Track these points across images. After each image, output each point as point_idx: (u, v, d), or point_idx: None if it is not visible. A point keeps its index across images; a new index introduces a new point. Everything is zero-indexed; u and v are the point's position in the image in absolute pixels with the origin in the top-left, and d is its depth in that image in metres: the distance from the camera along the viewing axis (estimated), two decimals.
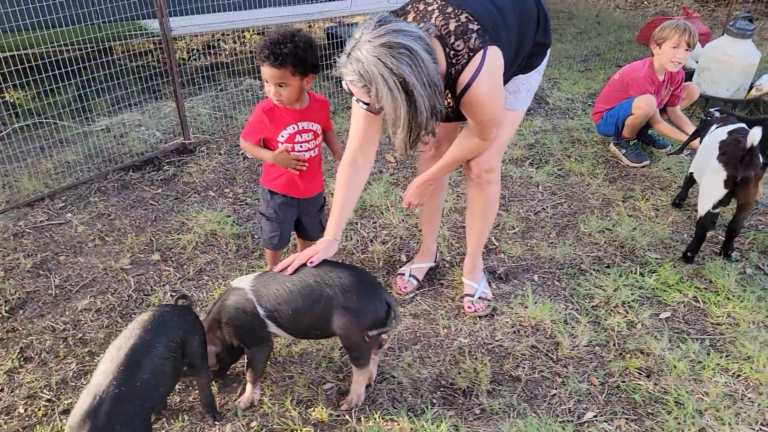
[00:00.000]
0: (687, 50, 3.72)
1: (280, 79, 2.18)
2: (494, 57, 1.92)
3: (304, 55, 2.16)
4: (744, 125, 2.95)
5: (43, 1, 3.41)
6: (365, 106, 1.85)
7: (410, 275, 2.75)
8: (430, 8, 1.91)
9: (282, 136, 2.32)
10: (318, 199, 2.59)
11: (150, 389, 1.73)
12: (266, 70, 2.18)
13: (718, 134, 2.96)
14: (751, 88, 4.59)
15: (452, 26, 1.83)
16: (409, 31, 1.70)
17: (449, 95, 2.03)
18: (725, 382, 2.28)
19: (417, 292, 2.73)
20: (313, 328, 2.04)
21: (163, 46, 3.64)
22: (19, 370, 2.29)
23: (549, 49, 2.30)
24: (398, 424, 2.09)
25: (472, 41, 1.85)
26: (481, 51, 1.88)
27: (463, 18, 1.83)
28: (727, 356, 2.40)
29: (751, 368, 2.33)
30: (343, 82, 1.82)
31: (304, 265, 1.99)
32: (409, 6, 1.93)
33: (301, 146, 2.35)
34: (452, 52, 1.88)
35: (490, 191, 2.40)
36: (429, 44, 1.75)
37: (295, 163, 2.34)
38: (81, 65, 3.50)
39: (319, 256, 2.01)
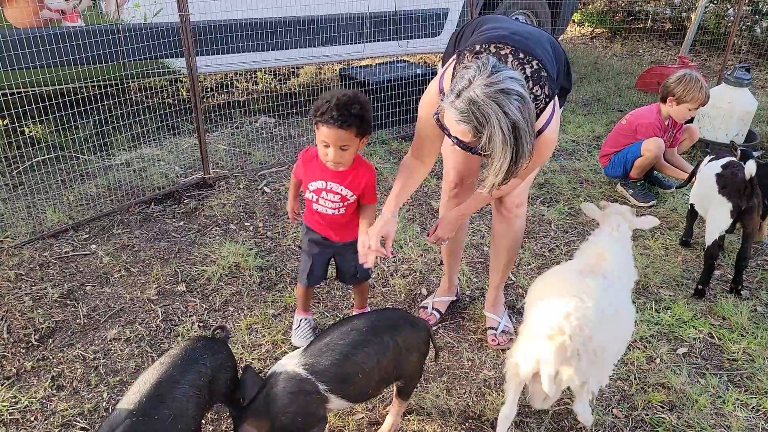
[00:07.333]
0: None
1: (344, 141, 2.11)
2: (557, 103, 2.04)
3: (368, 117, 2.14)
4: (734, 159, 3.16)
5: (71, 41, 3.55)
6: (460, 145, 1.87)
7: (433, 308, 2.81)
8: (503, 52, 1.95)
9: (310, 186, 2.31)
10: (354, 244, 2.30)
11: (168, 426, 1.66)
12: (330, 132, 2.08)
13: (712, 167, 3.18)
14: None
15: (528, 71, 1.92)
16: (520, 79, 1.77)
17: None
18: (746, 417, 2.34)
19: (440, 324, 2.79)
20: (380, 383, 1.96)
21: (188, 84, 3.77)
22: (52, 398, 2.31)
23: (568, 93, 2.42)
24: None
25: (547, 88, 1.96)
26: (555, 97, 1.99)
27: (535, 65, 1.94)
28: (746, 391, 2.46)
29: None
30: (439, 116, 1.91)
31: (349, 327, 1.97)
32: (479, 47, 1.97)
33: (324, 203, 2.31)
34: (532, 96, 1.93)
35: (518, 226, 2.50)
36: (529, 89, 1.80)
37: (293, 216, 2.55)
38: (101, 103, 3.61)
39: (379, 231, 2.10)
